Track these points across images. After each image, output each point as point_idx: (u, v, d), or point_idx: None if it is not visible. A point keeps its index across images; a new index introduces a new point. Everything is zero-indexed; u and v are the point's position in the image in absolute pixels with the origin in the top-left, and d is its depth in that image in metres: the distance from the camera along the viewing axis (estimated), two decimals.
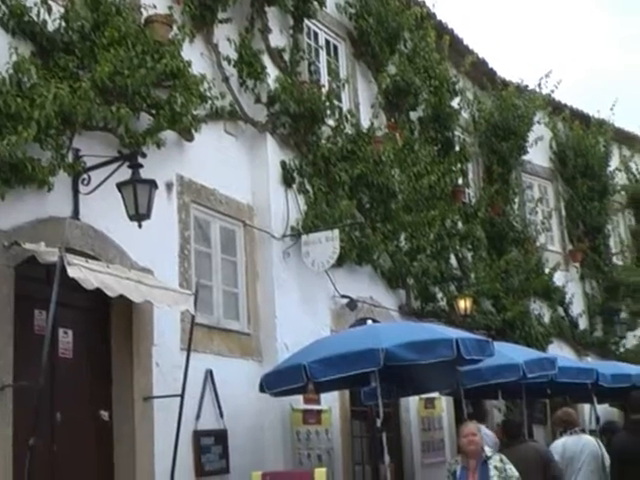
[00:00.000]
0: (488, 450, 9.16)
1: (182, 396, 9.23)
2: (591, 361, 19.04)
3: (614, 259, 23.67)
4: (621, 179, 24.46)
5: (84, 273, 7.87)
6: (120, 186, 8.77)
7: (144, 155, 9.38)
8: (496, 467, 8.94)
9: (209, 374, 10.59)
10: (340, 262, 12.75)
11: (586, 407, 18.19)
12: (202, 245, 11.25)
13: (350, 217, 13.01)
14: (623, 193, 24.87)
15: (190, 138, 10.75)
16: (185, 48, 10.56)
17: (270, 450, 11.38)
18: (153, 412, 9.55)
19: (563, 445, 10.54)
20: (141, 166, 8.87)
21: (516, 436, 10.27)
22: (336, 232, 12.12)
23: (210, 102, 11.20)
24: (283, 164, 12.43)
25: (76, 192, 9.01)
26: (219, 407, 10.68)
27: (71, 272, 7.72)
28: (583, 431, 11.03)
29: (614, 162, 23.77)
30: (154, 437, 9.50)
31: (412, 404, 14.51)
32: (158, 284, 9.07)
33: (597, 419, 15.79)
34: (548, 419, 16.31)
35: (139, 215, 8.74)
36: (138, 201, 8.71)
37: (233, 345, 11.25)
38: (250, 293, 11.76)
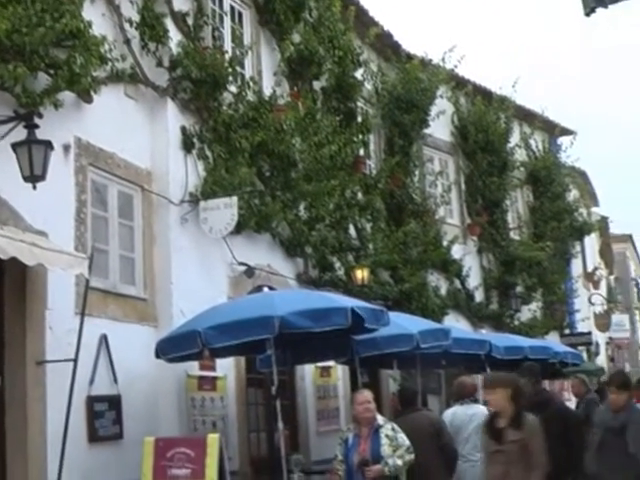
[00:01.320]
0: (380, 419, 9.27)
1: (75, 361, 9.09)
2: (486, 333, 19.36)
3: (511, 234, 24.09)
4: (521, 155, 24.91)
5: None
6: (15, 146, 8.64)
7: (41, 115, 9.24)
8: (387, 435, 9.06)
9: (104, 339, 10.50)
10: (238, 229, 12.73)
11: (480, 378, 18.55)
12: (99, 209, 11.10)
13: (250, 184, 12.95)
14: (522, 169, 25.30)
15: (89, 100, 10.57)
16: (86, 8, 10.39)
17: (165, 416, 11.35)
18: (45, 377, 9.44)
19: (453, 414, 10.73)
20: (37, 126, 8.73)
21: (410, 405, 10.36)
22: (235, 199, 12.07)
23: (110, 64, 11.04)
24: (183, 129, 12.33)
25: None
26: (113, 372, 10.60)
27: None
28: (476, 401, 11.20)
29: (514, 139, 24.20)
30: (46, 402, 9.40)
31: (308, 372, 14.60)
32: (52, 247, 8.92)
33: None
34: (443, 389, 16.57)
35: (34, 176, 8.62)
36: (33, 162, 8.59)
37: (129, 310, 11.17)
38: (147, 258, 11.67)
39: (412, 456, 9.05)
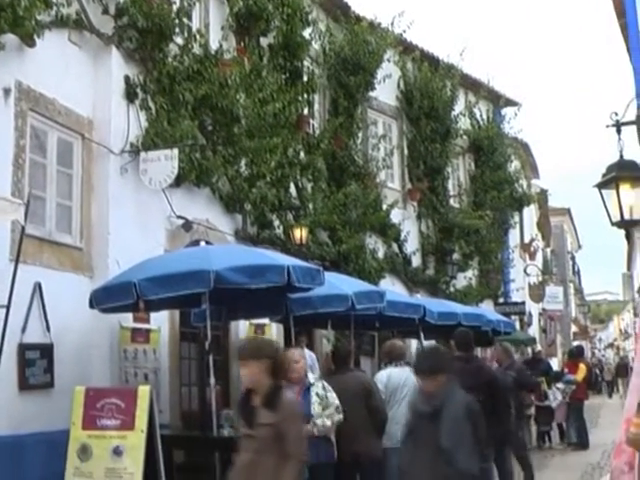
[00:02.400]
0: (312, 377, 9.30)
1: (8, 307, 9.01)
2: (421, 298, 19.51)
3: (451, 201, 24.24)
4: (464, 124, 24.99)
5: None
6: None
7: None
8: (317, 394, 9.09)
9: (37, 287, 10.43)
10: (178, 182, 12.67)
11: (413, 342, 18.72)
12: (38, 155, 10.98)
13: (191, 138, 12.84)
14: (465, 138, 25.43)
15: (32, 44, 10.43)
16: None
17: (96, 367, 11.33)
18: None
19: (388, 376, 10.76)
20: None
21: (343, 365, 10.40)
22: (175, 151, 11.99)
23: (55, 9, 10.90)
24: (127, 79, 12.22)
25: None
26: (46, 321, 10.54)
27: None
28: (408, 364, 11.28)
29: (459, 107, 24.26)
30: None
31: (242, 329, 14.61)
32: None
33: None
34: (376, 351, 16.66)
35: None
36: None
37: (64, 259, 11.09)
38: (84, 207, 11.58)
39: (341, 416, 9.10)
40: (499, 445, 12.03)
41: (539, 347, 29.00)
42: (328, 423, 9.00)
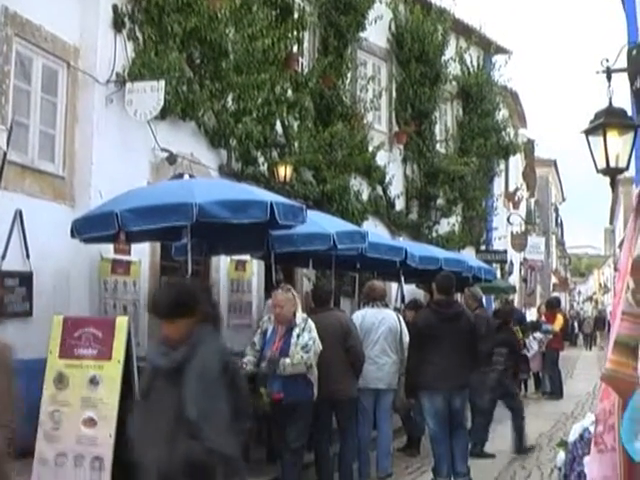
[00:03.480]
0: (299, 317, 9.26)
1: None
2: (403, 241, 19.50)
3: (437, 146, 24.17)
4: (454, 69, 24.87)
5: None
6: None
7: None
8: (298, 335, 9.12)
9: (18, 214, 10.38)
10: (163, 115, 12.58)
11: (394, 286, 18.79)
12: (22, 82, 10.85)
13: (178, 70, 12.75)
14: (454, 83, 25.33)
15: None
16: None
17: (76, 297, 11.34)
18: None
19: (362, 316, 10.80)
20: None
21: (323, 304, 10.42)
22: (162, 83, 11.87)
23: None
24: (115, 7, 12.08)
25: None
26: (26, 249, 10.50)
27: None
28: (386, 306, 11.32)
29: (449, 52, 24.13)
30: None
31: (223, 265, 14.62)
32: None
33: (402, 298, 16.34)
34: (356, 292, 16.70)
35: None
36: None
37: (46, 187, 11.02)
38: (68, 136, 11.49)
39: (320, 346, 9.09)
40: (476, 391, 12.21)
41: (511, 296, 29.13)
42: (310, 356, 8.97)
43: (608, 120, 8.83)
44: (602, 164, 8.99)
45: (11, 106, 10.40)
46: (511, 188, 35.07)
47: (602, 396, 4.50)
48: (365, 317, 10.76)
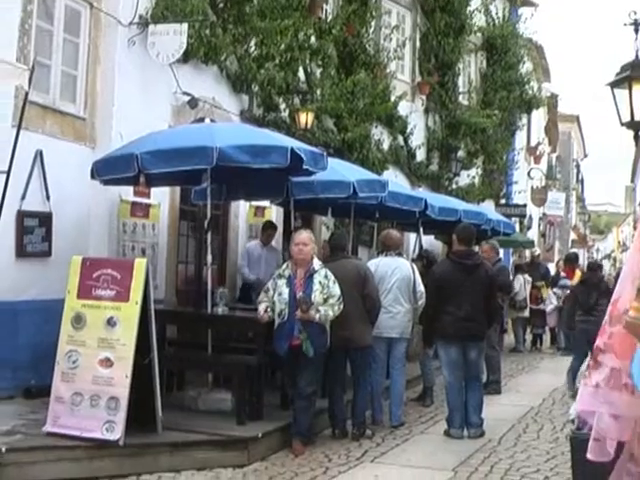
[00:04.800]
0: (317, 263, 9.30)
1: (8, 174, 8.95)
2: (422, 192, 19.44)
3: (460, 98, 24.01)
4: (479, 20, 24.60)
5: None
6: None
7: None
8: (320, 282, 9.14)
9: (39, 155, 10.37)
10: (186, 58, 12.50)
11: (412, 236, 18.79)
12: (45, 22, 10.79)
13: (202, 13, 12.61)
14: (479, 35, 25.12)
15: None
16: None
17: (94, 239, 11.38)
18: None
19: (376, 265, 10.79)
20: None
21: (340, 251, 10.44)
22: (185, 26, 11.78)
23: None
24: None
25: None
26: (46, 189, 10.52)
27: None
28: (400, 255, 11.28)
29: (475, 2, 23.89)
30: None
31: (242, 210, 14.62)
32: None
33: (421, 248, 16.31)
34: (374, 242, 16.69)
35: None
36: None
37: (67, 128, 11.00)
38: (90, 78, 11.43)
39: (342, 307, 9.18)
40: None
41: (538, 250, 28.99)
42: (330, 313, 9.09)
43: (634, 73, 8.75)
44: (626, 117, 8.93)
45: (33, 46, 10.33)
46: (533, 142, 34.85)
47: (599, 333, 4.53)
48: (379, 266, 10.75)
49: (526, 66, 28.35)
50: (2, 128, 9.35)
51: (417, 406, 12.15)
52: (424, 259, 13.69)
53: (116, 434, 8.02)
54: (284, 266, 9.50)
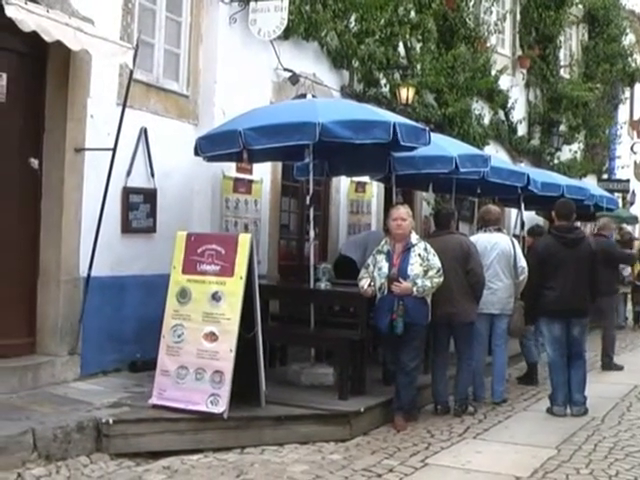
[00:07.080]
0: (414, 237, 9.28)
1: (114, 150, 9.11)
2: (524, 167, 19.24)
3: (561, 71, 23.70)
4: None
5: (22, 14, 7.54)
6: None
7: None
8: (419, 255, 9.11)
9: (143, 132, 10.49)
10: (286, 35, 12.51)
11: (513, 212, 18.59)
12: (147, 1, 10.90)
13: None
14: (580, 7, 24.72)
15: None
16: None
17: (198, 214, 11.49)
18: (84, 165, 9.49)
19: (475, 241, 10.69)
20: None
21: (444, 227, 10.39)
22: (286, 2, 11.76)
23: None
24: None
25: None
26: (151, 166, 10.64)
27: (9, 11, 7.36)
28: (499, 230, 11.17)
29: None
30: (83, 190, 9.48)
31: (343, 186, 14.64)
32: (98, 34, 8.75)
33: (522, 224, 16.13)
34: (475, 217, 16.57)
35: None
36: None
37: (170, 105, 11.11)
38: (192, 56, 11.52)
39: (441, 279, 9.13)
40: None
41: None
42: (428, 284, 9.04)
43: None
44: None
45: (137, 25, 10.45)
46: (636, 116, 34.11)
47: None
48: (478, 241, 10.66)
49: (629, 38, 27.79)
50: (108, 106, 9.59)
51: (520, 384, 12.05)
52: (534, 235, 13.51)
53: (220, 407, 8.11)
54: (382, 242, 9.49)
